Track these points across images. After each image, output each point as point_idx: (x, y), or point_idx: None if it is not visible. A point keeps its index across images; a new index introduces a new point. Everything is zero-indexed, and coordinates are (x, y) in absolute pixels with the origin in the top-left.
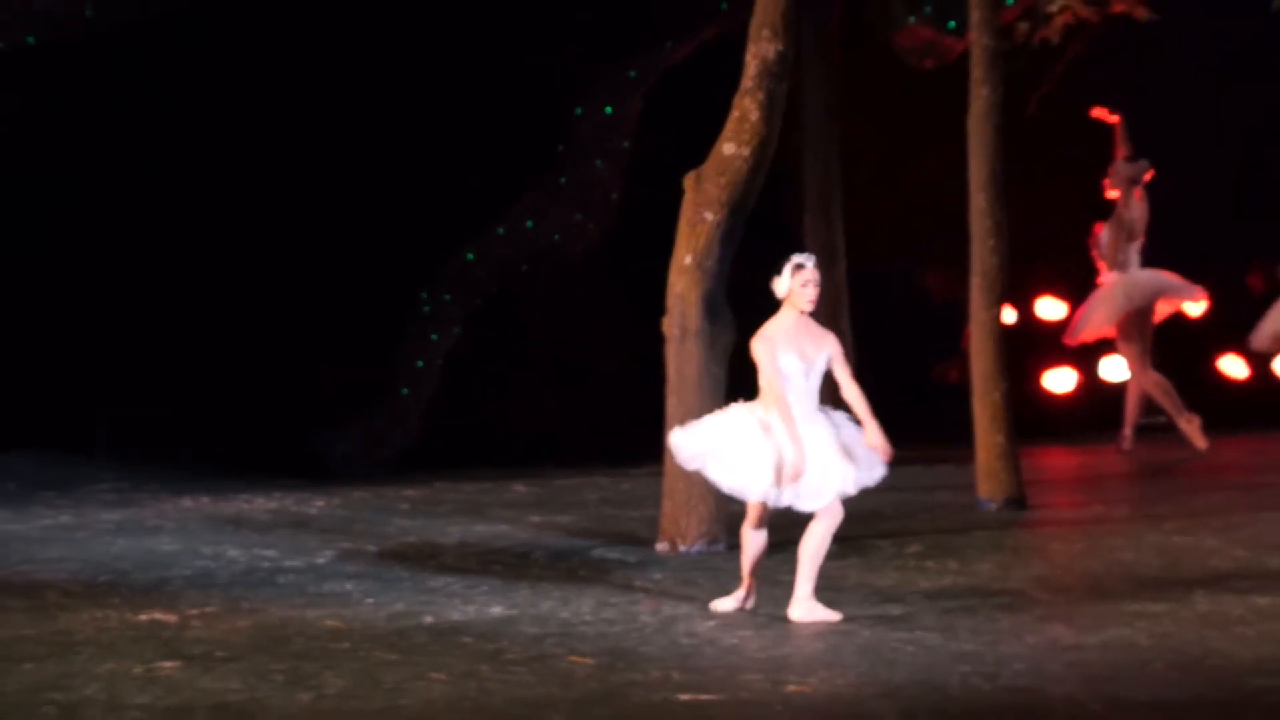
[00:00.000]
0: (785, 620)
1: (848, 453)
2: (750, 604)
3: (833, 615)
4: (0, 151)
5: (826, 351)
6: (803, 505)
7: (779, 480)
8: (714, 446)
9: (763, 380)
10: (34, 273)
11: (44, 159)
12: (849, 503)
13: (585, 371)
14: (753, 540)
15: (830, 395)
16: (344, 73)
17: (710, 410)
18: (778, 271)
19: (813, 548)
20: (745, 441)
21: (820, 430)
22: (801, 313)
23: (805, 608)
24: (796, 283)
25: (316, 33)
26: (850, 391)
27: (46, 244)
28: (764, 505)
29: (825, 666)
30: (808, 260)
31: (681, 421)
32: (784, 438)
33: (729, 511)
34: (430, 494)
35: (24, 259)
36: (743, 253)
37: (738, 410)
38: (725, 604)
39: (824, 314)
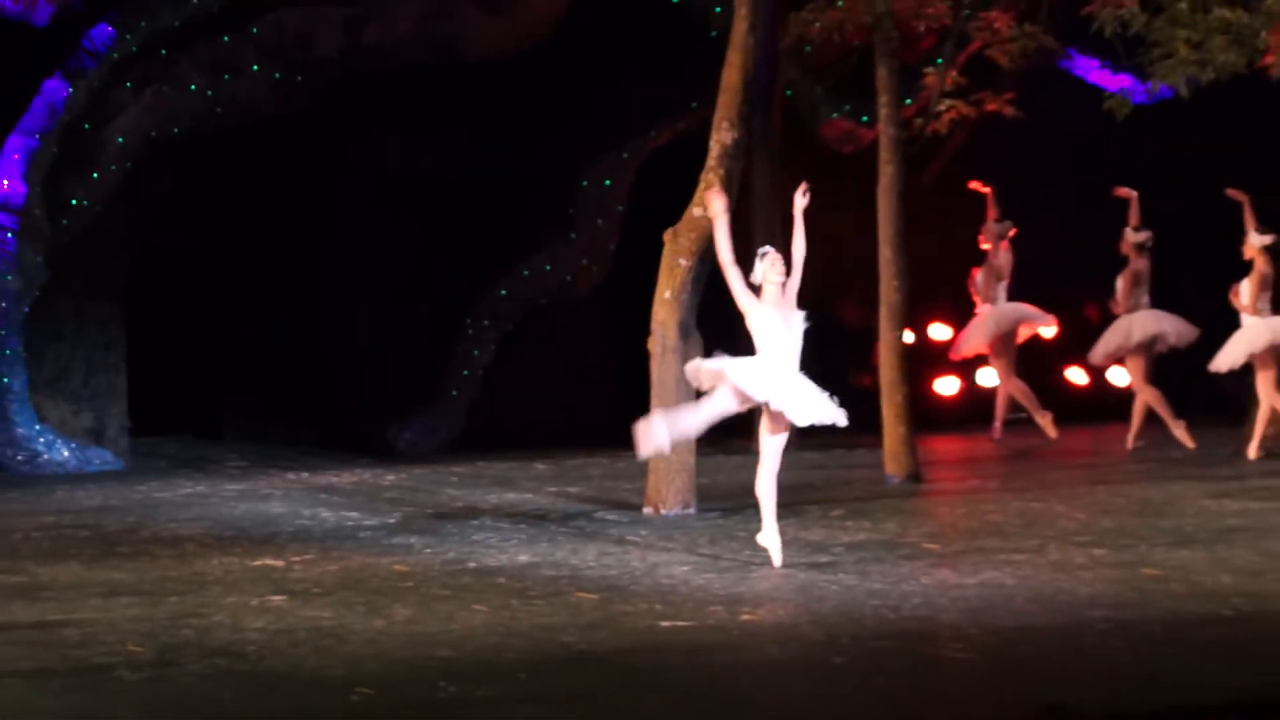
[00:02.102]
0: (742, 565)
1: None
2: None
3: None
4: (155, 217)
5: (799, 317)
6: (797, 416)
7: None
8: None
9: (759, 340)
10: (177, 303)
11: (186, 219)
12: (788, 476)
13: (588, 378)
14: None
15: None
16: (409, 158)
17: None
18: (751, 268)
19: (766, 490)
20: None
21: (800, 378)
22: (777, 287)
23: (770, 535)
24: (765, 265)
25: (388, 127)
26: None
27: (186, 283)
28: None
29: (770, 600)
30: (769, 249)
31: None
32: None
33: (698, 483)
34: (473, 470)
35: (169, 293)
36: (708, 290)
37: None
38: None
39: None
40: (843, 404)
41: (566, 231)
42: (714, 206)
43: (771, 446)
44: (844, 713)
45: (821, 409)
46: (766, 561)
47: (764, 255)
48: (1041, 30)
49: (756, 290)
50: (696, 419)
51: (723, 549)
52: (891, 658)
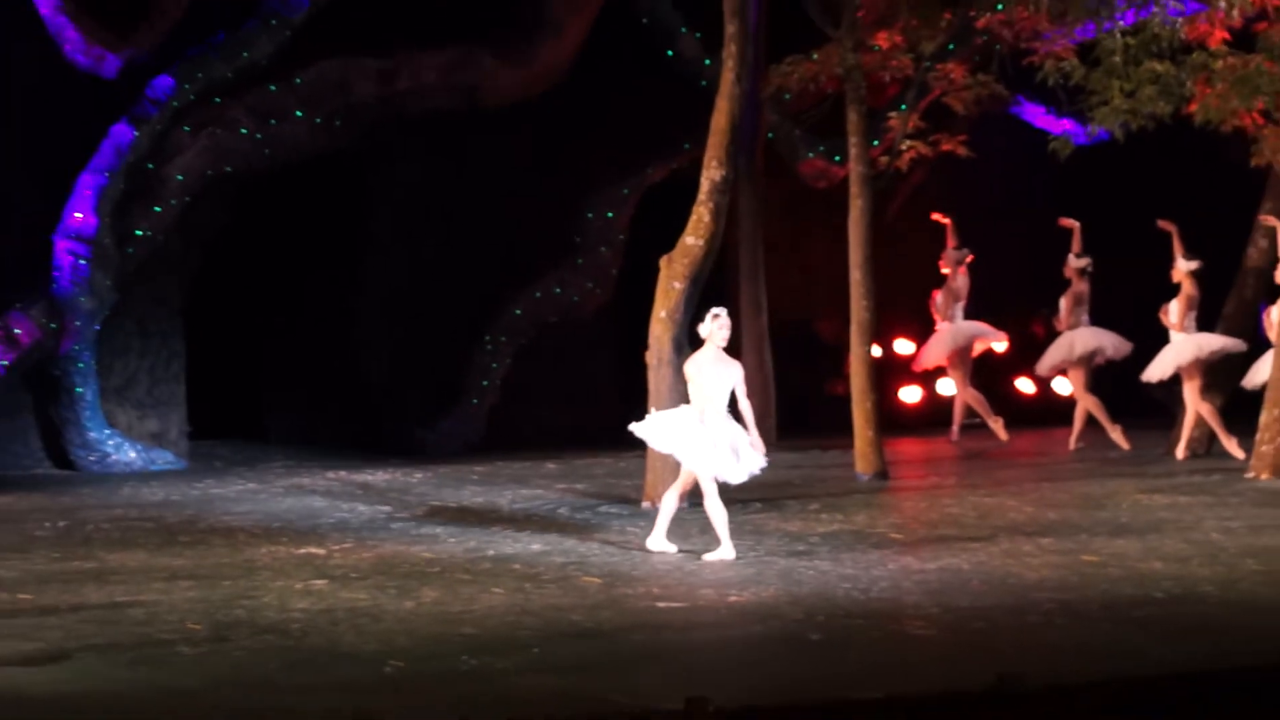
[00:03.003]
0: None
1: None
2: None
3: (670, 548)
4: (212, 249)
5: (735, 375)
6: (730, 478)
7: (721, 458)
8: (676, 440)
9: (692, 389)
10: (229, 320)
11: (238, 247)
12: (770, 474)
13: (593, 387)
14: (675, 505)
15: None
16: (435, 191)
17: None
18: (701, 320)
19: (716, 511)
20: (692, 436)
21: (729, 428)
22: (718, 347)
23: (658, 538)
24: (715, 326)
25: (416, 163)
26: (744, 406)
27: (233, 305)
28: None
29: (754, 584)
30: (722, 311)
31: None
32: (711, 430)
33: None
34: (491, 470)
35: (221, 313)
36: (698, 310)
37: (682, 410)
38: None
39: (751, 349)
40: (816, 411)
41: (574, 258)
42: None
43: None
44: (819, 683)
45: (734, 465)
46: (751, 549)
47: (716, 317)
48: (992, 80)
49: (700, 342)
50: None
51: (712, 538)
52: (862, 634)
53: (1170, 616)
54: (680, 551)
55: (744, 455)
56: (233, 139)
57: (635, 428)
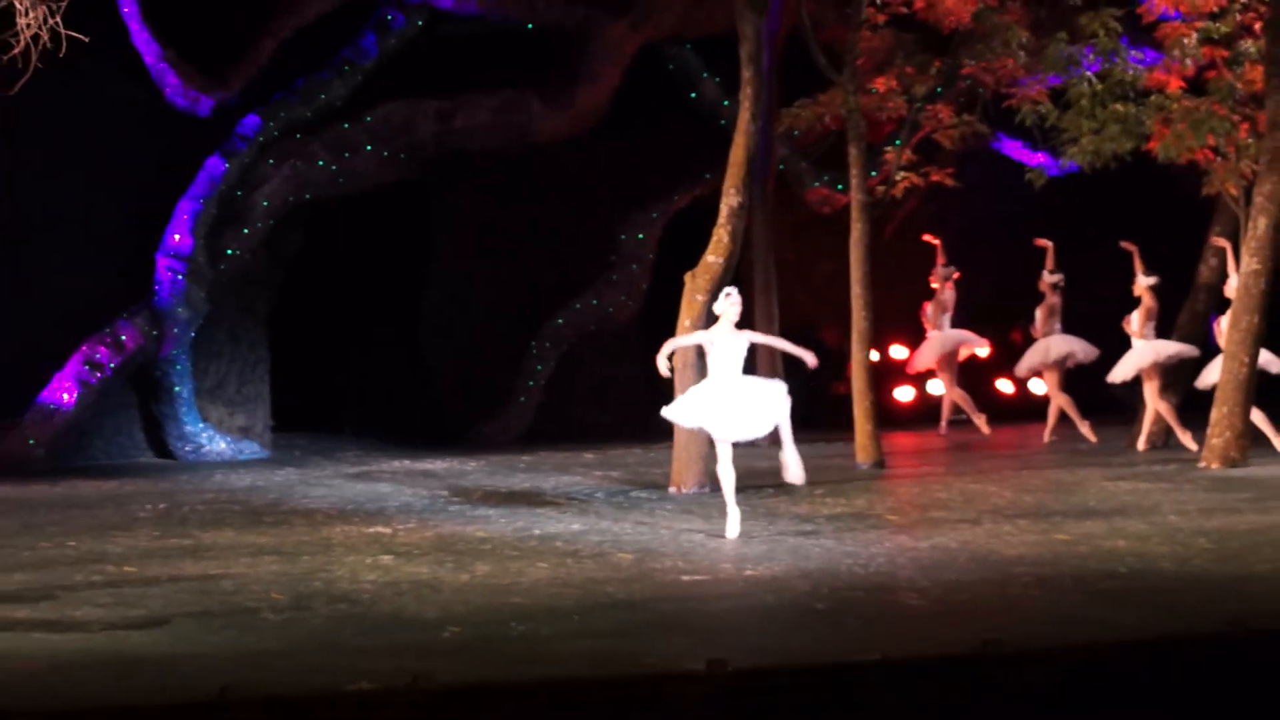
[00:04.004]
0: (745, 532)
1: (756, 405)
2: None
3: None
4: (293, 266)
5: (744, 339)
6: (749, 435)
7: (735, 420)
8: (699, 413)
9: (710, 358)
10: (307, 330)
11: (317, 265)
12: (775, 457)
13: (626, 387)
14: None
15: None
16: (488, 215)
17: None
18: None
19: (725, 475)
20: (709, 403)
21: (745, 389)
22: (731, 322)
23: (734, 525)
24: (728, 304)
25: (472, 192)
26: (776, 343)
27: (312, 315)
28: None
29: (767, 559)
30: (733, 290)
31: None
32: (727, 394)
33: (712, 470)
34: (537, 459)
35: (302, 322)
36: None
37: (699, 386)
38: (731, 531)
39: (764, 354)
40: (821, 408)
41: (609, 274)
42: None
43: (720, 446)
44: (824, 647)
45: (754, 422)
46: (765, 528)
47: (728, 295)
48: (976, 119)
49: (714, 319)
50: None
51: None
52: (861, 603)
53: (1132, 589)
54: (702, 531)
55: (764, 410)
56: (311, 170)
57: (665, 411)
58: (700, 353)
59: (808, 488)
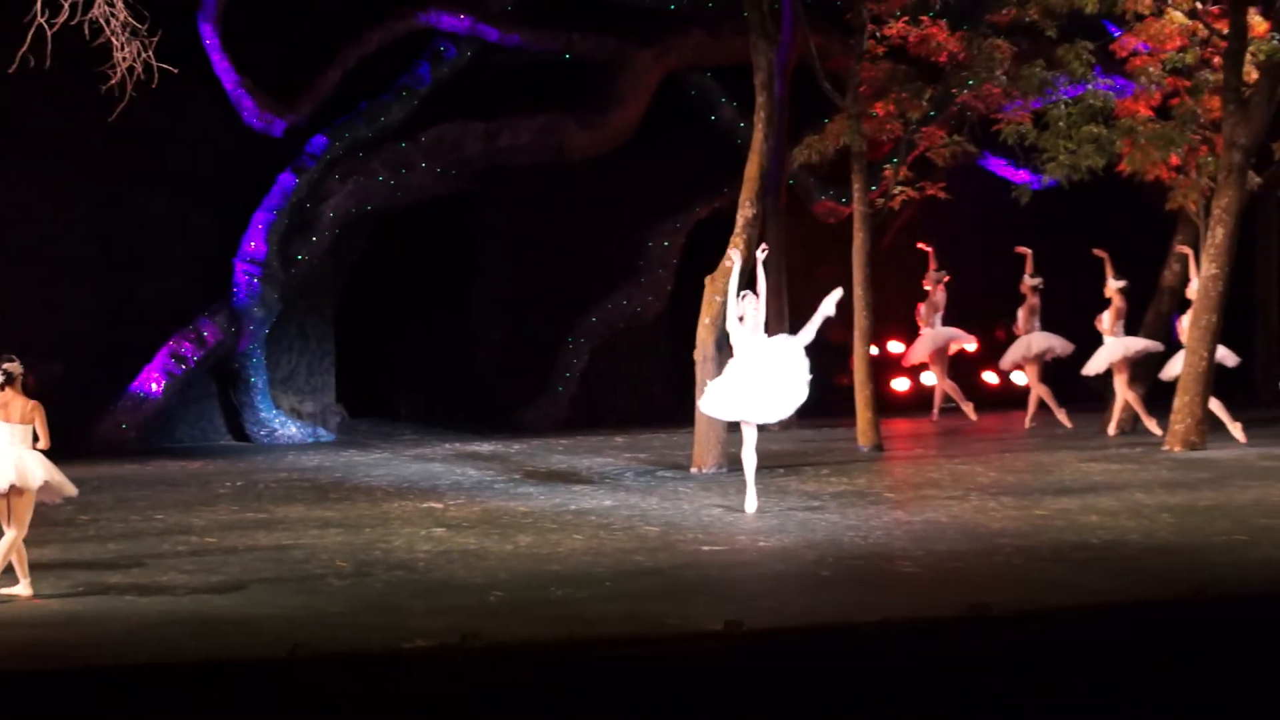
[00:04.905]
0: (759, 508)
1: (780, 380)
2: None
3: (753, 505)
4: (356, 270)
5: (762, 337)
6: (771, 418)
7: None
8: (726, 404)
9: (735, 349)
10: (369, 327)
11: (378, 269)
12: (790, 445)
13: (652, 377)
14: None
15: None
16: (530, 223)
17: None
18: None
19: (748, 460)
20: (732, 391)
21: (766, 375)
22: (751, 320)
23: (752, 501)
24: (746, 305)
25: (515, 202)
26: (806, 334)
27: (373, 313)
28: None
29: (779, 532)
30: (748, 292)
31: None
32: (749, 381)
33: (730, 452)
34: (573, 443)
35: (364, 320)
36: None
37: (723, 374)
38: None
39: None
40: (827, 397)
41: (637, 277)
42: (732, 260)
43: (745, 430)
44: (829, 609)
45: (777, 405)
46: (776, 504)
47: (745, 297)
48: (965, 139)
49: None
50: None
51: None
52: (862, 571)
53: (1103, 558)
54: (720, 506)
55: (784, 391)
56: (372, 185)
57: (701, 405)
58: (720, 346)
59: (814, 469)
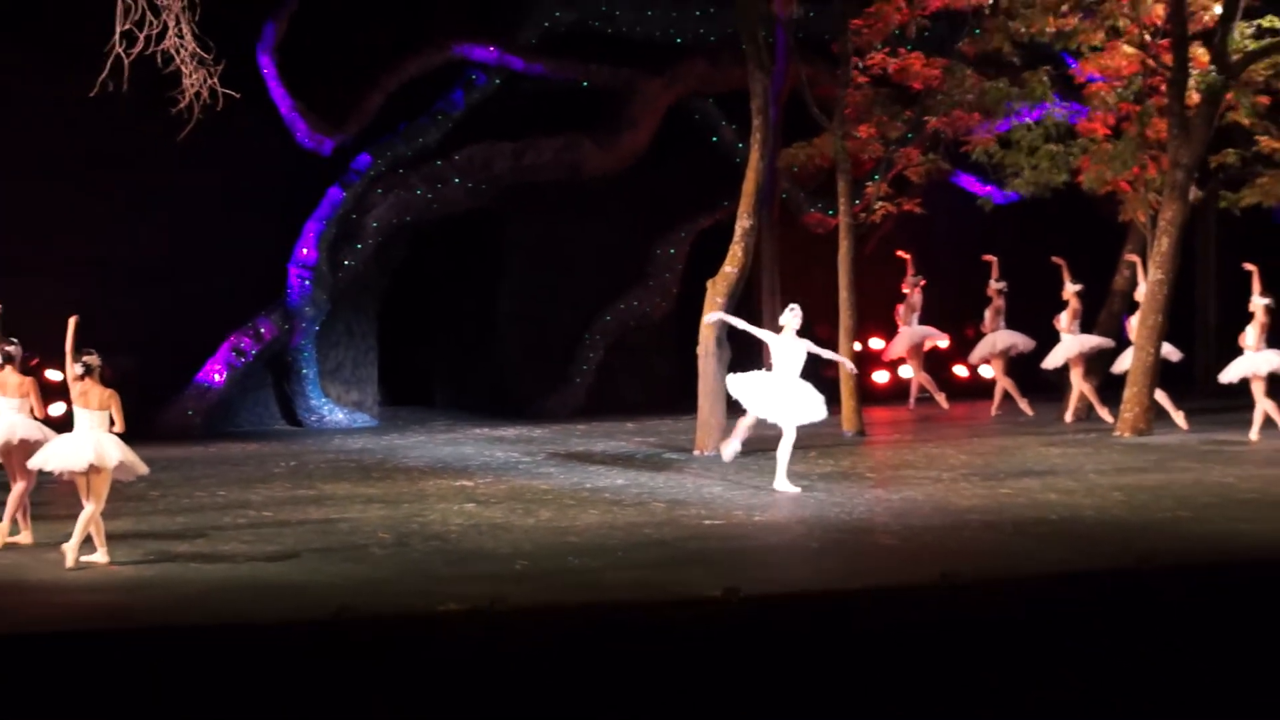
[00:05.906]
0: (755, 487)
1: (797, 400)
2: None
3: (794, 489)
4: (398, 274)
5: (804, 347)
6: (797, 421)
7: (788, 407)
8: (757, 397)
9: (775, 359)
10: (408, 325)
11: (416, 273)
12: (777, 426)
13: (660, 370)
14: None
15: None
16: (551, 233)
17: (719, 391)
18: (783, 310)
19: (784, 450)
20: (768, 393)
21: (799, 386)
22: (793, 330)
23: (781, 483)
24: (791, 316)
25: (538, 214)
26: (825, 354)
27: (413, 312)
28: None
29: (773, 508)
30: (796, 306)
31: (706, 399)
32: (785, 388)
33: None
34: (589, 428)
35: (404, 318)
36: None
37: (762, 374)
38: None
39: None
40: (816, 388)
41: (647, 281)
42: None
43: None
44: (816, 576)
45: (803, 411)
46: (769, 484)
47: (792, 310)
48: (938, 158)
49: (779, 328)
50: (747, 418)
51: (743, 477)
52: (846, 543)
53: (1061, 532)
54: (730, 483)
55: (808, 404)
56: (411, 198)
57: (730, 384)
58: (720, 343)
59: (803, 451)
